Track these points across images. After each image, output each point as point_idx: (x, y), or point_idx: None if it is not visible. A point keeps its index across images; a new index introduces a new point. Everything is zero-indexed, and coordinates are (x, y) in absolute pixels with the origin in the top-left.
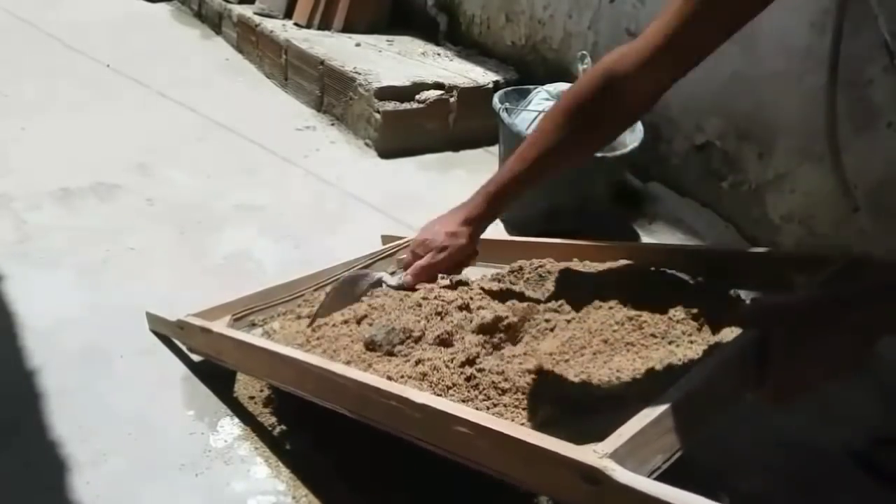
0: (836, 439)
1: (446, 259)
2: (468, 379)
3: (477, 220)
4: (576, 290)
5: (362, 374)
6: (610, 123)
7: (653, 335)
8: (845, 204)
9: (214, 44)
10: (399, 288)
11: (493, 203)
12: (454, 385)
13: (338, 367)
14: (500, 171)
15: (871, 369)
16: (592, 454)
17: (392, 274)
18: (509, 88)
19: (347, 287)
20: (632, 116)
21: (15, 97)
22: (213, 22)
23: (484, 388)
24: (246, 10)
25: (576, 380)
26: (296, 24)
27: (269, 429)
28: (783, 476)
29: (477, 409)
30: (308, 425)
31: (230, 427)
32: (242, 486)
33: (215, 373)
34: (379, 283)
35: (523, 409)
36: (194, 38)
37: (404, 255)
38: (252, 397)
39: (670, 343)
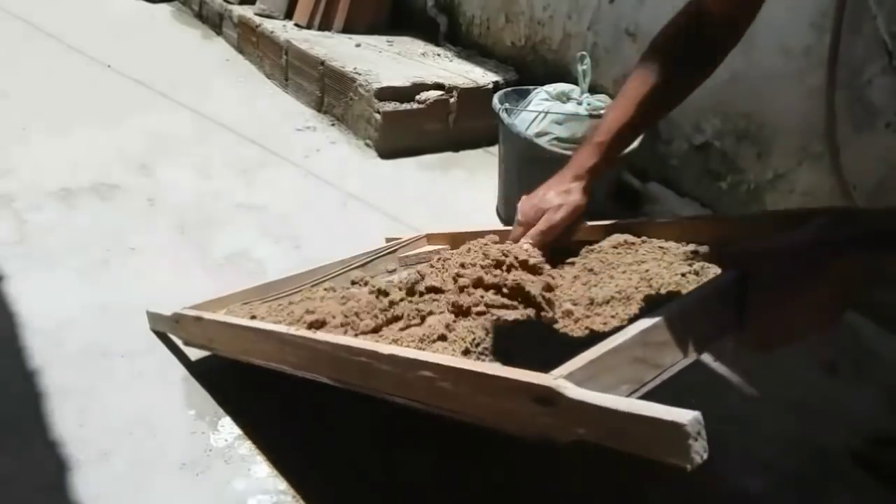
0: (836, 439)
1: (565, 218)
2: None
3: (589, 172)
4: (567, 255)
5: (333, 336)
6: (701, 53)
7: (640, 280)
8: (844, 204)
9: (215, 44)
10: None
11: (604, 152)
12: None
13: (311, 333)
14: (605, 121)
15: (872, 369)
16: (546, 376)
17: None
18: (509, 89)
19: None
20: (716, 47)
21: (16, 97)
22: (214, 22)
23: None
24: (246, 11)
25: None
26: (296, 24)
27: (270, 428)
28: (783, 476)
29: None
30: (309, 424)
31: (231, 426)
32: (243, 485)
33: (216, 372)
34: None
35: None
36: (195, 38)
37: (512, 230)
38: (252, 396)
39: (652, 282)
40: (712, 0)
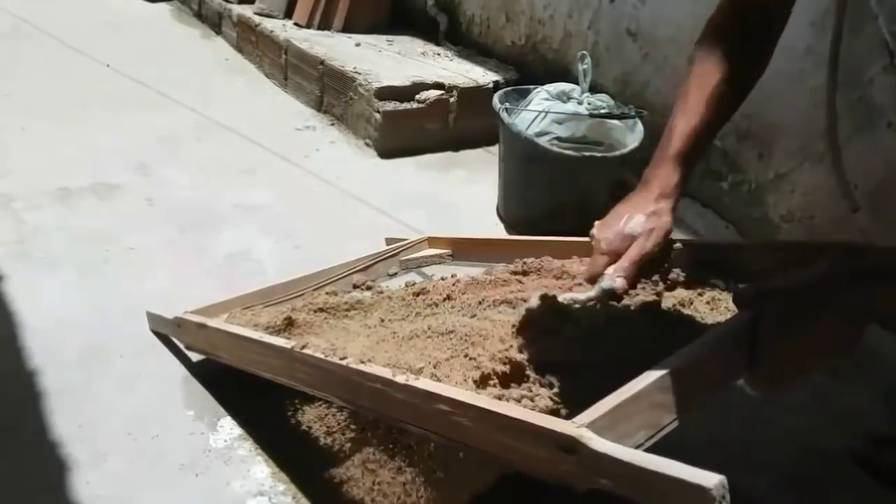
0: (836, 439)
1: (658, 244)
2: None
3: (672, 191)
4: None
5: (349, 360)
6: (756, 34)
7: (651, 317)
8: (845, 204)
9: (214, 44)
10: (603, 299)
11: (683, 164)
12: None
13: (323, 353)
14: (676, 126)
15: (872, 369)
16: (569, 424)
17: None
18: (509, 88)
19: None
20: (770, 25)
21: (15, 97)
22: (213, 22)
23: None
24: (246, 10)
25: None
26: (296, 23)
27: (270, 428)
28: (783, 476)
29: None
30: (309, 424)
31: (230, 427)
32: (242, 486)
33: (215, 373)
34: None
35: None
36: (194, 37)
37: (588, 264)
38: (251, 396)
39: (668, 323)
40: None
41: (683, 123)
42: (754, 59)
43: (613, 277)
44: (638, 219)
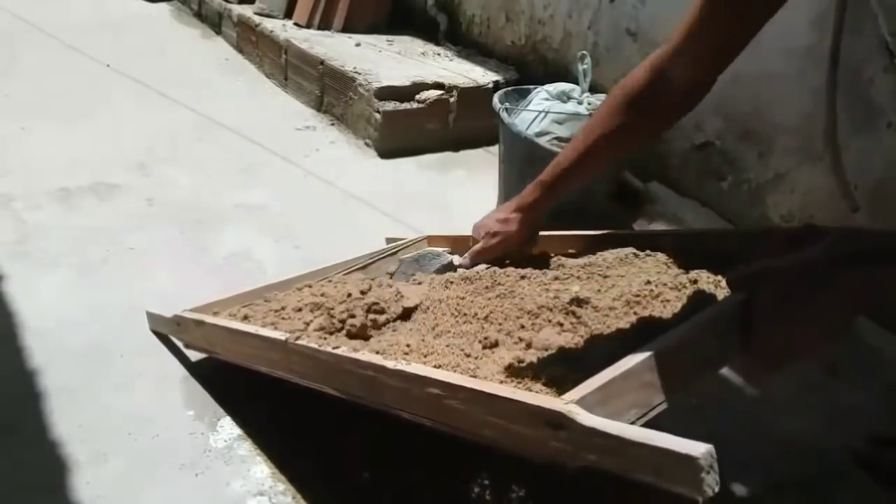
0: (836, 439)
1: (498, 244)
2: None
3: (528, 207)
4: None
5: (342, 349)
6: (659, 112)
7: (649, 299)
8: (845, 204)
9: (214, 44)
10: (444, 269)
11: (544, 191)
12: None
13: (316, 343)
14: (554, 161)
15: (872, 369)
16: (557, 401)
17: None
18: (509, 88)
19: (414, 266)
20: (677, 108)
21: (15, 97)
22: (213, 22)
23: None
24: (246, 10)
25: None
26: (296, 23)
27: (270, 428)
28: (783, 476)
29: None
30: (308, 424)
31: (230, 427)
32: (242, 485)
33: (215, 372)
34: (451, 265)
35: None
36: (194, 37)
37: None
38: (251, 396)
39: (662, 302)
40: (678, 67)
41: (561, 157)
42: (654, 127)
43: (462, 257)
44: (490, 222)
